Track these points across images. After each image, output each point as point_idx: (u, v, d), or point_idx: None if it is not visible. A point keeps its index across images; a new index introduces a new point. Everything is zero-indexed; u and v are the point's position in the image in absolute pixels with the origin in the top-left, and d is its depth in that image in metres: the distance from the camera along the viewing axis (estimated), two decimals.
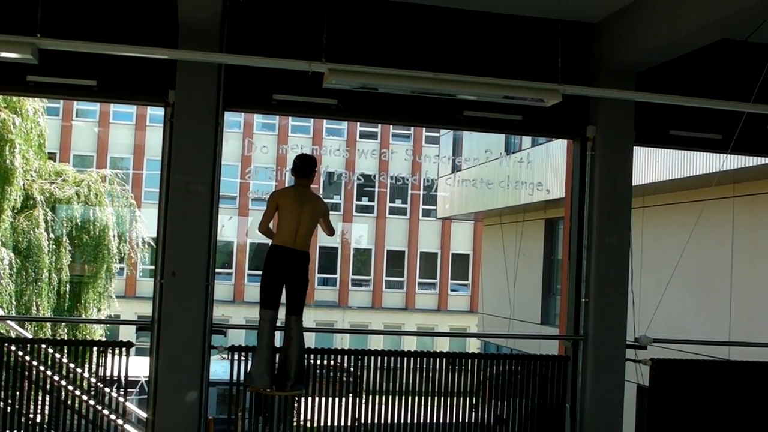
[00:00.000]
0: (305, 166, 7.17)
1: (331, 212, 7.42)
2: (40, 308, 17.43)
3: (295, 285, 6.98)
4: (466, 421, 7.89)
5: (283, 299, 7.01)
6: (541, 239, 19.88)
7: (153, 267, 7.55)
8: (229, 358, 7.32)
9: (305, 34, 7.05)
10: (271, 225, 7.08)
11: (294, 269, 6.95)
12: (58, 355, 8.03)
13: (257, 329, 6.98)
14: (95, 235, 18.77)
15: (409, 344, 27.90)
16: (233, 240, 33.66)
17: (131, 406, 10.64)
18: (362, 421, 7.57)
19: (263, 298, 6.95)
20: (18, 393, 7.14)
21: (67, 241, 18.37)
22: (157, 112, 26.97)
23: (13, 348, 7.32)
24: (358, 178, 34.72)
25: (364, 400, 7.57)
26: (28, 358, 7.45)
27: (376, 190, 34.98)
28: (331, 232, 7.30)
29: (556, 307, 18.35)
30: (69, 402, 7.47)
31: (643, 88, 7.69)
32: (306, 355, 7.24)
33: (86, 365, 7.52)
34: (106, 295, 18.98)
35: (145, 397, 7.80)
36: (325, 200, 7.39)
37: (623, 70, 7.63)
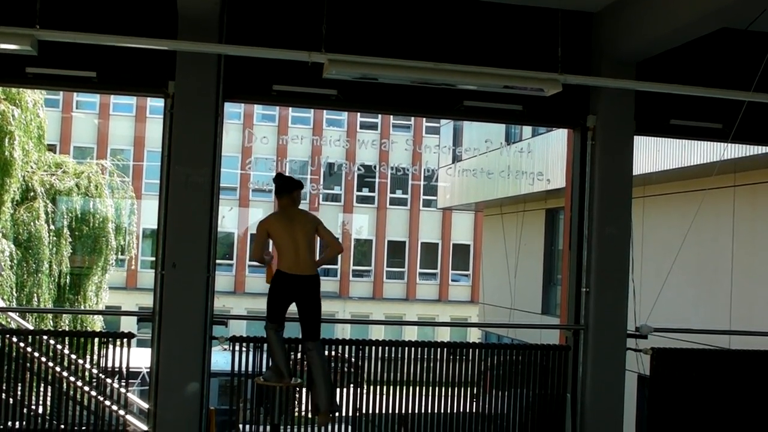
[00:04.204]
0: (281, 182, 6.93)
1: (332, 203, 7.35)
2: (41, 300, 17.47)
3: (308, 310, 6.83)
4: (467, 410, 7.92)
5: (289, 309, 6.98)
6: (541, 229, 19.88)
7: (154, 258, 7.56)
8: (230, 348, 7.34)
9: (305, 24, 7.05)
10: (271, 248, 6.90)
11: (304, 295, 6.79)
12: (59, 347, 8.05)
13: (266, 341, 7.03)
14: (95, 226, 18.81)
15: (410, 334, 27.95)
16: (234, 231, 33.68)
17: (133, 397, 10.66)
18: (363, 411, 7.59)
19: (270, 315, 6.85)
20: (20, 384, 7.16)
21: (68, 232, 18.39)
22: (157, 104, 26.95)
23: (14, 339, 7.34)
24: (359, 169, 34.68)
25: (365, 390, 7.59)
26: (29, 349, 7.47)
27: (377, 180, 34.95)
28: (336, 245, 7.05)
29: (557, 297, 18.36)
30: (71, 393, 7.49)
31: (643, 78, 7.67)
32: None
33: (88, 356, 7.54)
34: (99, 286, 19.04)
35: (147, 388, 7.83)
36: (326, 191, 7.31)
37: (623, 60, 7.62)
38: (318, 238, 6.97)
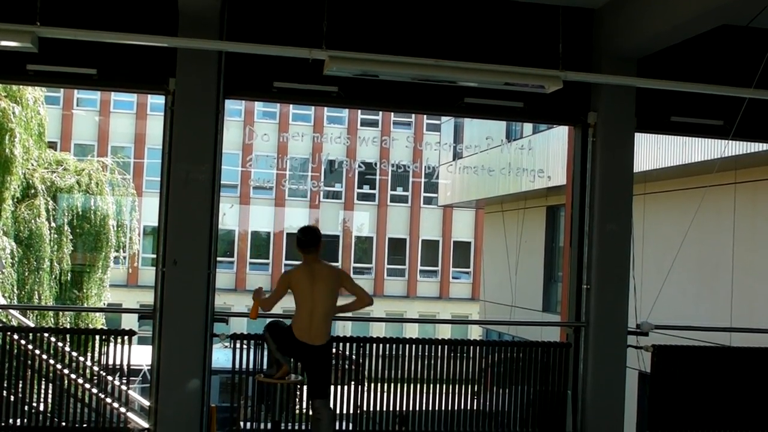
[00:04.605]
0: (309, 238, 6.67)
1: (332, 200, 7.31)
2: (42, 297, 17.48)
3: (314, 374, 6.63)
4: (468, 408, 7.92)
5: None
6: (542, 226, 19.88)
7: (154, 255, 7.56)
8: (231, 346, 7.34)
9: (305, 21, 7.04)
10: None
11: (310, 362, 6.61)
12: (60, 344, 8.05)
13: (262, 338, 6.88)
14: (96, 223, 18.83)
15: (411, 332, 27.96)
16: (234, 228, 33.68)
17: (134, 395, 10.67)
18: (364, 408, 7.59)
19: (278, 341, 6.68)
20: (21, 382, 7.17)
21: (69, 229, 18.40)
22: (157, 101, 26.95)
23: (15, 337, 7.34)
24: (359, 166, 34.69)
25: (366, 388, 7.59)
26: (30, 346, 7.47)
27: (378, 177, 34.96)
28: (366, 299, 6.65)
29: (558, 294, 18.36)
30: (72, 390, 7.50)
31: (644, 74, 7.66)
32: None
33: (89, 354, 7.54)
34: (101, 284, 19.06)
35: (148, 385, 7.83)
36: (327, 188, 7.30)
37: (624, 56, 7.61)
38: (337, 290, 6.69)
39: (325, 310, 6.52)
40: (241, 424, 7.52)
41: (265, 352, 7.24)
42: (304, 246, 6.66)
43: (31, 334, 7.84)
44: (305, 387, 6.89)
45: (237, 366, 7.35)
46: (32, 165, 18.01)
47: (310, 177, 33.85)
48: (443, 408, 7.81)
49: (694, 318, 12.95)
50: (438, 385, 7.85)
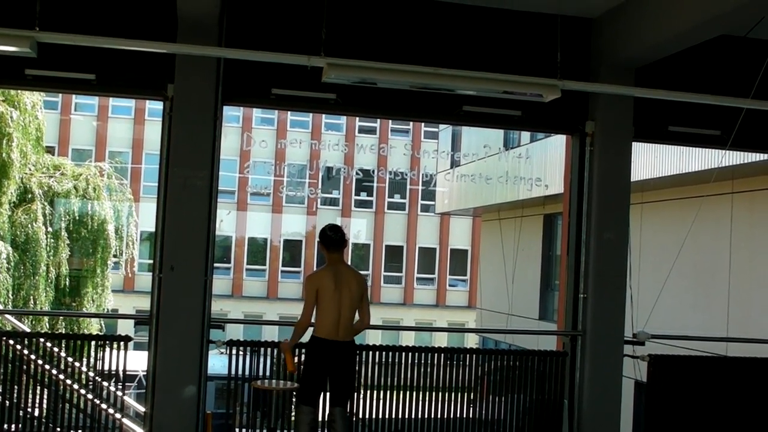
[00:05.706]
0: (339, 236, 6.68)
1: (330, 207, 7.27)
2: (37, 302, 17.44)
3: (342, 377, 6.64)
4: (464, 416, 7.91)
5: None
6: (539, 235, 19.88)
7: (151, 261, 7.55)
8: (228, 352, 7.32)
9: (304, 28, 7.06)
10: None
11: (341, 362, 6.59)
12: (56, 349, 8.03)
13: (294, 425, 6.71)
14: (93, 228, 18.80)
15: (408, 339, 27.93)
16: (232, 234, 33.66)
17: (129, 401, 10.63)
18: (360, 416, 7.58)
19: (303, 394, 6.62)
20: (16, 387, 7.14)
21: (66, 234, 18.37)
22: (155, 106, 26.93)
23: (11, 342, 7.32)
24: (357, 173, 34.68)
25: (362, 395, 7.57)
26: (26, 351, 7.45)
27: (375, 185, 34.95)
28: (368, 320, 6.72)
29: (555, 302, 18.34)
30: (67, 396, 7.47)
31: (642, 84, 7.68)
32: None
33: (84, 359, 7.53)
34: (103, 289, 19.00)
35: (144, 391, 7.81)
36: (324, 195, 7.28)
37: (622, 66, 7.63)
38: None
39: (352, 313, 6.59)
40: (237, 430, 7.50)
41: (261, 359, 7.21)
42: (333, 245, 6.68)
43: (26, 339, 7.81)
44: (327, 394, 6.86)
45: (233, 372, 7.33)
46: (29, 169, 18.00)
47: (307, 184, 33.85)
48: (439, 416, 7.80)
49: (691, 327, 12.95)
50: (434, 393, 7.83)
